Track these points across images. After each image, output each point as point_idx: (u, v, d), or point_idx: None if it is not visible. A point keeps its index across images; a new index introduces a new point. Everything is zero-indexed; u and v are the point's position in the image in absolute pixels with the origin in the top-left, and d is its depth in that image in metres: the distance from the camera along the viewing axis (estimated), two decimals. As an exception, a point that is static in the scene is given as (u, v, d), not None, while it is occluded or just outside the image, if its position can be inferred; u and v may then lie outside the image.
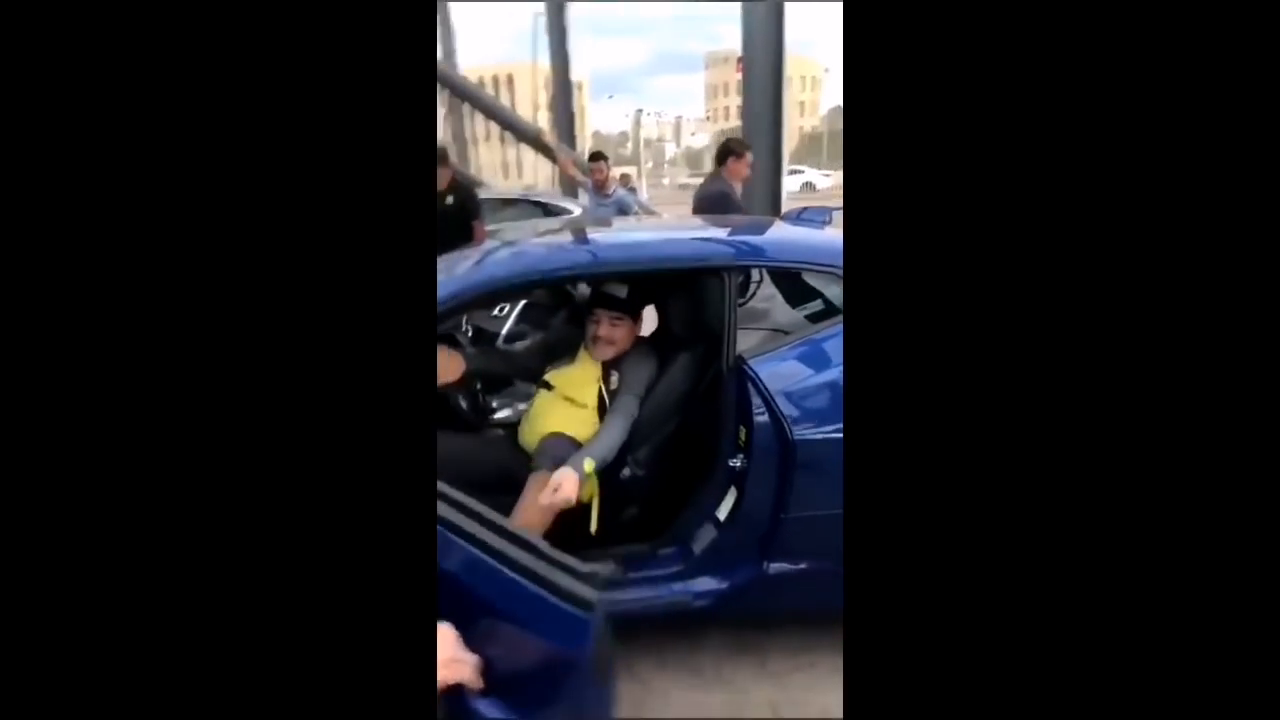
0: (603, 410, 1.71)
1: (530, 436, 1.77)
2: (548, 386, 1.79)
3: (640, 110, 49.04)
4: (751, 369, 1.54)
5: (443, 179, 3.62)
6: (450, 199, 3.67)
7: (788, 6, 4.80)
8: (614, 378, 1.74)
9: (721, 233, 1.94)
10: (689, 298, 1.80)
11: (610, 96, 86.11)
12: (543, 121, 9.54)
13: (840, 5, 0.64)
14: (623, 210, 4.33)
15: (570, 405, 1.73)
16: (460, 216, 3.65)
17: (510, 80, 43.81)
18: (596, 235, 2.02)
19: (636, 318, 1.82)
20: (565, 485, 1.47)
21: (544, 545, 0.72)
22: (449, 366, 1.74)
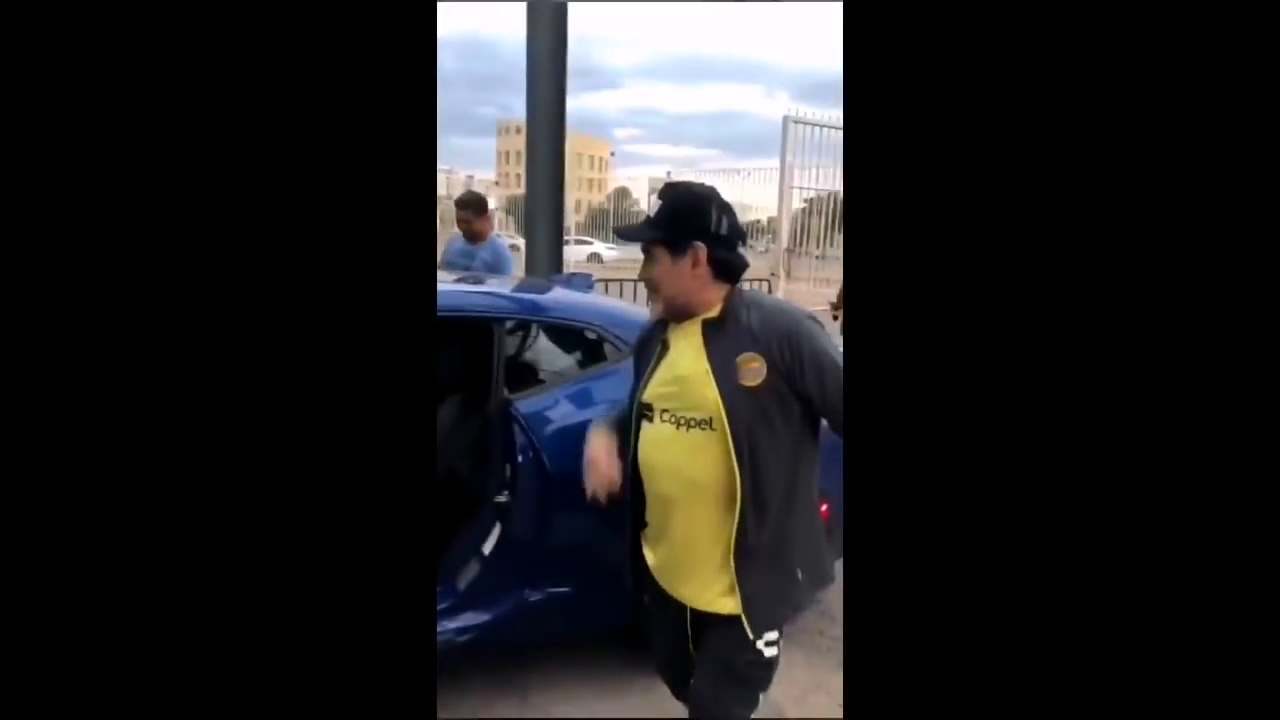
0: None
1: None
2: None
3: (429, 168, 47.98)
4: (517, 410, 1.68)
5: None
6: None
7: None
8: None
9: (496, 288, 2.09)
10: (458, 346, 1.91)
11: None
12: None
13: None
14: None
15: None
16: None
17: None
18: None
19: None
20: None
21: None
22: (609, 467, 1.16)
